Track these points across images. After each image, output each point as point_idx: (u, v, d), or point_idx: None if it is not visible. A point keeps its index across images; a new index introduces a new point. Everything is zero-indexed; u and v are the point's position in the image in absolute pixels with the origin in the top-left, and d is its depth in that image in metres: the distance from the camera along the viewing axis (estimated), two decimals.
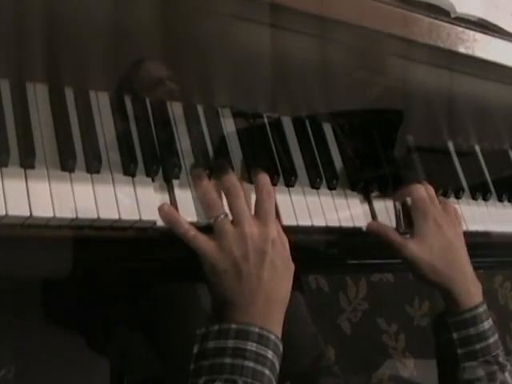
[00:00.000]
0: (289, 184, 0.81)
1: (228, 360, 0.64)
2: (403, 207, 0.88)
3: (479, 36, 0.86)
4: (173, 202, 0.71)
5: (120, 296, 0.99)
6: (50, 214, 0.63)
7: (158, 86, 0.77)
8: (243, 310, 0.67)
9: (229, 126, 0.81)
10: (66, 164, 0.66)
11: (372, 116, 0.93)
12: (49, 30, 0.66)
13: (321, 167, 0.86)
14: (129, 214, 0.67)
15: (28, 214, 0.61)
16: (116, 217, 0.67)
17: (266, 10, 0.73)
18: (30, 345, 1.02)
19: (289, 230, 0.75)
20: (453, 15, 0.84)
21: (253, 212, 0.71)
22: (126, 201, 0.68)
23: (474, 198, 1.01)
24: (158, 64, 0.76)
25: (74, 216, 0.64)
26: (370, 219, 0.86)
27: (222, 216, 0.69)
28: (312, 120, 0.89)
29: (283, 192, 0.80)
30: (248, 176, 0.78)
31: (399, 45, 0.81)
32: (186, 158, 0.75)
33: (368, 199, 0.88)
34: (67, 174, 0.66)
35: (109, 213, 0.66)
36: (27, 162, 0.64)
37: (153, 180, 0.71)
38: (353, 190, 0.87)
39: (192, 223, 0.70)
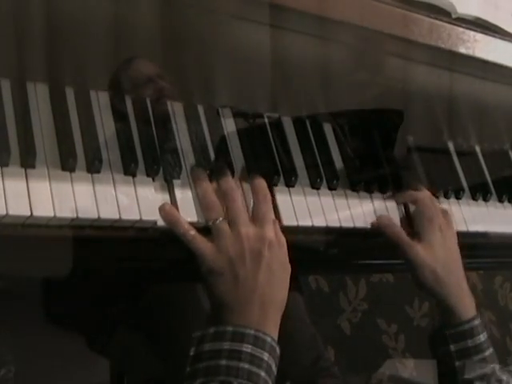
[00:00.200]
0: (289, 184, 0.81)
1: (223, 362, 0.64)
2: (406, 210, 0.88)
3: (480, 36, 0.86)
4: (173, 201, 0.71)
5: (120, 296, 0.99)
6: (51, 214, 0.63)
7: (148, 83, 0.77)
8: (239, 312, 0.67)
9: (229, 125, 0.81)
10: (67, 164, 0.66)
11: (372, 116, 0.93)
12: (49, 29, 0.66)
13: (321, 167, 0.86)
14: (129, 213, 0.67)
15: (28, 213, 0.61)
16: (116, 217, 0.66)
17: (266, 10, 0.73)
18: (30, 345, 1.02)
19: (289, 231, 0.75)
20: (453, 15, 0.84)
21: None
22: (127, 200, 0.68)
23: (474, 198, 1.01)
24: (147, 62, 0.76)
25: (75, 216, 0.64)
26: (370, 219, 0.86)
27: (221, 219, 0.70)
28: (312, 120, 0.89)
29: (283, 192, 0.80)
30: (248, 176, 0.78)
31: (399, 45, 0.81)
32: (187, 158, 0.75)
33: (368, 199, 0.88)
34: (68, 173, 0.66)
35: (109, 212, 0.66)
36: (28, 161, 0.64)
37: (153, 180, 0.71)
38: (353, 190, 0.87)
39: (192, 223, 0.70)
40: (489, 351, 0.84)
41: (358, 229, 0.85)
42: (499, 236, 1.01)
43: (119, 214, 0.67)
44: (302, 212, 0.80)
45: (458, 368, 0.82)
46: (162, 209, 0.69)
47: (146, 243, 0.71)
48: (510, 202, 1.06)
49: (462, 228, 0.94)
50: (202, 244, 0.69)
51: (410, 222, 0.87)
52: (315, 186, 0.84)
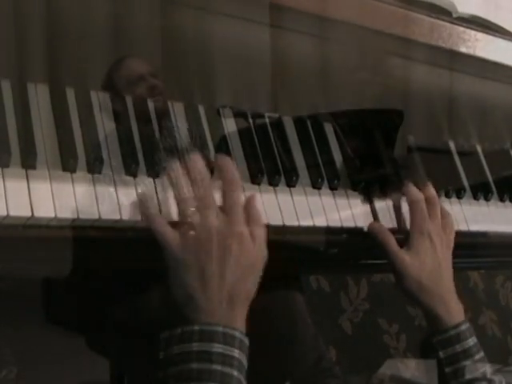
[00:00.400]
0: (290, 184, 0.81)
1: (195, 365, 0.61)
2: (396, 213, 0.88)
3: (480, 36, 0.86)
4: None
5: (120, 296, 0.99)
6: (52, 215, 0.63)
7: (139, 81, 0.76)
8: (205, 309, 0.64)
9: (230, 126, 0.81)
10: (67, 164, 0.66)
11: (373, 116, 0.93)
12: (50, 30, 0.66)
13: (322, 167, 0.86)
14: (130, 214, 0.67)
15: (29, 214, 0.61)
16: (117, 217, 0.66)
17: (266, 10, 0.73)
18: (31, 345, 1.02)
19: (290, 231, 0.75)
20: (454, 15, 0.84)
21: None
22: (127, 201, 0.68)
23: (475, 197, 1.01)
24: (139, 60, 0.76)
25: (75, 216, 0.64)
26: (371, 219, 0.86)
27: (190, 209, 0.65)
28: (313, 120, 0.89)
29: (285, 192, 0.80)
30: (249, 176, 0.78)
31: (400, 44, 0.81)
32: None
33: (369, 199, 0.88)
34: (68, 174, 0.66)
35: (110, 213, 0.66)
36: (28, 162, 0.64)
37: (154, 180, 0.71)
38: (354, 190, 0.87)
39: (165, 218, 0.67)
40: (479, 355, 0.84)
41: (359, 228, 0.85)
42: (500, 235, 1.01)
43: (120, 214, 0.67)
44: (303, 212, 0.80)
45: (449, 374, 0.82)
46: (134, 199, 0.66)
47: (147, 244, 0.71)
48: (511, 201, 1.05)
49: (464, 227, 0.94)
50: (170, 235, 0.64)
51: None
52: (316, 185, 0.84)
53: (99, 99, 0.72)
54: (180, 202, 0.66)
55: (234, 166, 0.68)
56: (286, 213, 0.78)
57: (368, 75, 0.86)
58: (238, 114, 0.83)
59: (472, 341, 0.84)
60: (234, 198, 0.67)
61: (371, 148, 0.92)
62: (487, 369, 0.83)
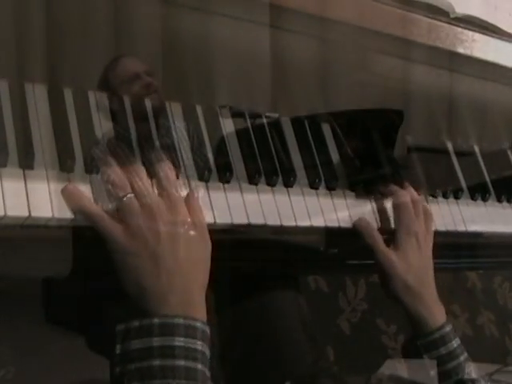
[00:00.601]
0: (288, 184, 0.81)
1: (157, 362, 0.58)
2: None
3: (478, 36, 0.86)
4: None
5: (120, 296, 0.99)
6: (49, 215, 0.63)
7: (135, 80, 0.76)
8: (162, 298, 0.61)
9: (228, 125, 0.81)
10: (65, 164, 0.66)
11: (371, 116, 0.93)
12: (48, 30, 0.66)
13: (320, 168, 0.86)
14: None
15: (27, 214, 0.61)
16: None
17: (266, 10, 0.73)
18: (30, 345, 1.02)
19: (288, 231, 0.75)
20: (452, 15, 0.84)
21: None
22: None
23: (473, 198, 1.01)
24: (134, 59, 0.76)
25: (73, 216, 0.64)
26: (370, 219, 0.86)
27: (128, 195, 0.63)
28: (311, 120, 0.89)
29: (282, 192, 0.80)
30: (247, 176, 0.78)
31: (398, 45, 0.81)
32: (186, 158, 0.75)
33: (367, 200, 0.88)
34: (66, 174, 0.66)
35: None
36: (26, 162, 0.64)
37: (152, 180, 0.71)
38: (352, 190, 0.87)
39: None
40: (463, 356, 0.84)
41: None
42: (498, 236, 1.01)
43: None
44: (301, 212, 0.80)
45: (433, 377, 0.82)
46: (64, 190, 0.63)
47: None
48: (508, 201, 1.06)
49: (461, 228, 0.94)
50: (112, 225, 0.62)
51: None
52: (314, 186, 0.84)
53: (97, 99, 0.72)
54: (117, 188, 0.63)
55: (161, 154, 0.68)
56: (284, 213, 0.78)
57: (366, 75, 0.87)
58: (236, 114, 0.83)
59: (456, 342, 0.84)
60: (171, 181, 0.66)
61: (369, 148, 0.92)
62: (472, 369, 0.83)
